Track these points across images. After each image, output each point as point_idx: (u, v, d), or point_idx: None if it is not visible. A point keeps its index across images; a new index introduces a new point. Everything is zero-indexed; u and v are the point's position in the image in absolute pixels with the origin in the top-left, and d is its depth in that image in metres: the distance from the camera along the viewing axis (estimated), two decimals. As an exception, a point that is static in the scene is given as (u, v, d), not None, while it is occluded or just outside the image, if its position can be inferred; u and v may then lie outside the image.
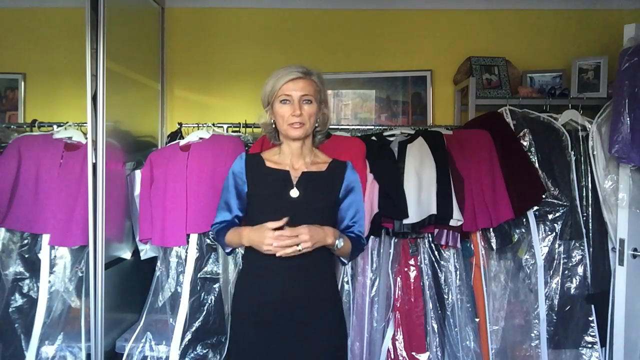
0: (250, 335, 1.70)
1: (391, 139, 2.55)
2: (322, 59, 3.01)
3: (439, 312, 2.40)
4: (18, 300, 2.31)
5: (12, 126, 2.74)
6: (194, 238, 2.35)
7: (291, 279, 1.66)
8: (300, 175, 1.72)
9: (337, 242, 1.65)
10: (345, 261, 1.78)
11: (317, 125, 1.75)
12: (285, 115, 1.68)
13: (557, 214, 2.51)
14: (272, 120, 1.74)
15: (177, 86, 3.03)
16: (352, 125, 2.92)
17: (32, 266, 2.32)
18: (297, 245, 1.58)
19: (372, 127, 2.77)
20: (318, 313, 1.70)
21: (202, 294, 2.33)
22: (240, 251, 2.43)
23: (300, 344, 1.67)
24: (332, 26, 3.06)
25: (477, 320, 2.44)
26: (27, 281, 2.33)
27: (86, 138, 2.21)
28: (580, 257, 2.52)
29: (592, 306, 2.52)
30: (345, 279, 2.42)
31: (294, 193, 1.69)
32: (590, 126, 2.56)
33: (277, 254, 1.58)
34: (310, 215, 1.66)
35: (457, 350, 2.39)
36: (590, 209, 2.54)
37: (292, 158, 1.75)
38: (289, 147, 1.74)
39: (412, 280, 2.42)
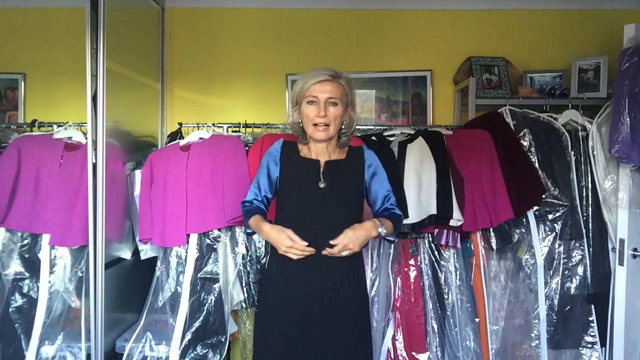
0: (276, 325, 1.75)
1: (391, 139, 2.55)
2: (322, 58, 3.00)
3: (439, 312, 2.40)
4: (18, 300, 2.31)
5: (12, 126, 2.74)
6: (194, 238, 2.35)
7: (319, 270, 1.72)
8: (325, 165, 1.79)
9: (380, 230, 1.71)
10: (392, 239, 1.85)
11: (342, 127, 1.81)
12: (310, 115, 1.75)
13: (557, 214, 2.51)
14: (299, 120, 1.81)
15: (177, 86, 3.03)
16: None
17: (32, 266, 2.32)
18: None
19: (372, 127, 2.77)
20: (345, 304, 1.75)
21: (202, 294, 2.33)
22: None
23: (326, 334, 1.73)
24: (332, 26, 3.06)
25: (477, 320, 2.45)
26: (27, 281, 2.32)
27: (86, 138, 2.21)
28: (580, 257, 2.52)
29: (592, 306, 2.53)
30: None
31: (322, 184, 1.76)
32: (590, 126, 2.56)
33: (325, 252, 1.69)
34: (338, 204, 1.76)
35: (457, 350, 2.39)
36: (590, 209, 2.54)
37: (318, 156, 1.82)
38: (315, 146, 1.82)
39: (412, 280, 2.42)
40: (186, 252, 2.35)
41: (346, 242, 1.67)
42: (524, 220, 2.53)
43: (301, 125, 1.81)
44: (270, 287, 1.82)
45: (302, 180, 1.79)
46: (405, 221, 2.31)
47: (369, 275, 2.40)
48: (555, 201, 2.51)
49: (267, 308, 1.81)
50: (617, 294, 2.38)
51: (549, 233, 2.52)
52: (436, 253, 2.43)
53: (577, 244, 2.53)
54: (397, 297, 2.42)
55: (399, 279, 2.43)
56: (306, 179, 1.78)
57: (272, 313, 1.78)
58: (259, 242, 2.47)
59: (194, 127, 2.67)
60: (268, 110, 3.00)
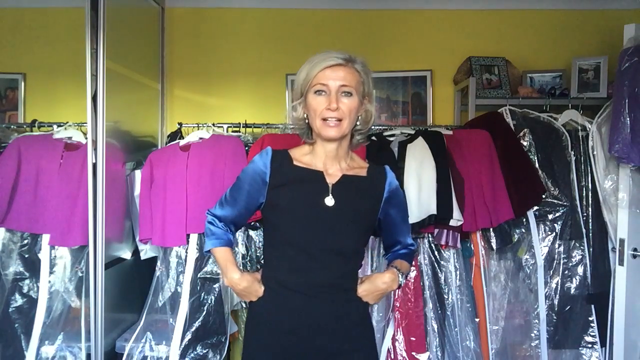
0: None
1: (391, 139, 2.55)
2: None
3: (439, 312, 2.40)
4: (18, 300, 2.30)
5: (12, 126, 2.74)
6: (194, 238, 2.35)
7: (317, 300, 1.44)
8: (340, 179, 1.47)
9: (400, 281, 1.53)
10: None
11: (357, 123, 1.49)
12: (318, 108, 1.41)
13: (557, 214, 2.51)
14: (305, 115, 1.47)
15: (177, 86, 3.03)
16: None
17: (32, 266, 2.32)
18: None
19: (372, 127, 2.76)
20: (346, 340, 1.47)
21: (202, 294, 2.33)
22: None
23: None
24: (332, 26, 3.06)
25: (477, 320, 2.44)
26: (27, 281, 2.32)
27: (86, 138, 2.21)
28: (580, 257, 2.53)
29: (592, 306, 2.53)
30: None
31: (330, 201, 1.44)
32: (590, 126, 2.56)
33: None
34: (348, 227, 1.46)
35: (457, 350, 2.39)
36: (590, 209, 2.55)
37: (326, 161, 1.49)
38: (323, 148, 1.48)
39: (412, 280, 2.41)
40: (186, 252, 2.35)
41: (362, 295, 1.49)
42: (524, 220, 2.53)
43: (307, 121, 1.48)
44: (259, 318, 1.51)
45: (302, 197, 1.45)
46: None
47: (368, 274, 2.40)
48: (555, 201, 2.51)
49: (256, 343, 1.51)
50: (617, 294, 2.38)
51: (549, 233, 2.53)
52: (436, 253, 2.43)
53: (577, 244, 2.53)
54: (397, 297, 2.42)
55: (399, 279, 2.43)
56: (307, 196, 1.45)
57: (262, 348, 1.48)
58: (259, 242, 2.47)
59: (194, 127, 2.67)
60: (268, 110, 3.00)
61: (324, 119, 1.42)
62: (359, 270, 1.56)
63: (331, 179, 1.47)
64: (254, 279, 1.50)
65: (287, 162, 1.49)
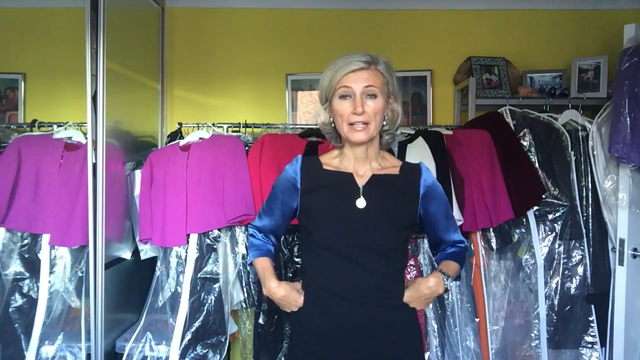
0: None
1: (391, 139, 2.55)
2: (322, 59, 2.95)
3: (439, 312, 2.40)
4: (18, 300, 2.31)
5: (12, 126, 2.74)
6: (194, 238, 2.35)
7: (361, 305, 1.43)
8: (370, 179, 1.47)
9: (447, 284, 1.47)
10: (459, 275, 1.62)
11: (384, 123, 1.48)
12: (344, 113, 1.42)
13: (557, 214, 2.51)
14: (331, 120, 1.49)
15: (177, 86, 3.03)
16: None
17: (32, 266, 2.32)
18: None
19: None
20: (392, 347, 1.45)
21: (202, 294, 2.33)
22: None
23: None
24: (332, 26, 3.06)
25: (477, 320, 2.44)
26: (27, 281, 2.32)
27: (86, 138, 2.21)
28: (580, 257, 2.53)
29: (592, 306, 2.53)
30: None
31: (361, 203, 1.44)
32: (590, 126, 2.57)
33: None
34: (382, 227, 1.44)
35: (457, 350, 2.39)
36: (590, 209, 2.55)
37: (356, 163, 1.49)
38: (352, 151, 1.49)
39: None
40: (186, 252, 2.35)
41: (407, 300, 1.47)
42: (524, 220, 2.53)
43: (333, 125, 1.49)
44: (301, 326, 1.51)
45: (332, 201, 1.46)
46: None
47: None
48: (555, 201, 2.51)
49: (299, 351, 1.50)
50: (617, 294, 2.39)
51: (549, 233, 2.53)
52: (436, 253, 2.43)
53: (577, 244, 2.53)
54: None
55: (399, 279, 2.43)
56: (338, 199, 1.45)
57: (306, 357, 1.49)
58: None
59: (194, 127, 2.67)
60: (268, 110, 3.00)
61: (351, 124, 1.43)
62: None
63: (361, 180, 1.47)
64: (292, 288, 1.50)
65: (316, 167, 1.51)
